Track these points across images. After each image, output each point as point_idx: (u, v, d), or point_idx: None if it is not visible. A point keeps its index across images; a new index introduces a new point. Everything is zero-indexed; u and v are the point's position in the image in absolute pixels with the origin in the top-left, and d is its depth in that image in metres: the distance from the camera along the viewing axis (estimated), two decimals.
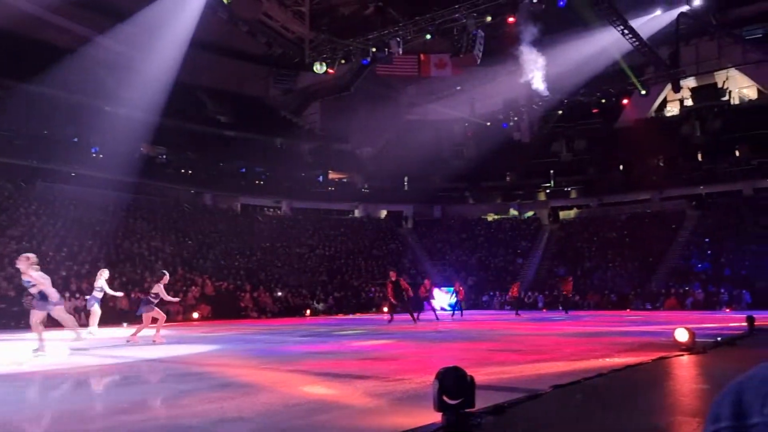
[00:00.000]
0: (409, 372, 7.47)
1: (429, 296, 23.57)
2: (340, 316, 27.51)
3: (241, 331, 16.81)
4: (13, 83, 30.29)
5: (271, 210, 41.26)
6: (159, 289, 12.89)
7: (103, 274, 14.30)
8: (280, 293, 28.84)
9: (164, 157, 38.54)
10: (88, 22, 35.38)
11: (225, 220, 36.30)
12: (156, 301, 12.89)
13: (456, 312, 24.70)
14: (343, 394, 5.92)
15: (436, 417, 4.20)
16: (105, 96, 35.09)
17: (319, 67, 25.25)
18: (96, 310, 14.06)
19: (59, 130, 33.27)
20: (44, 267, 21.51)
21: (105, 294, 14.45)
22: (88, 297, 15.06)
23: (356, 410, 5.14)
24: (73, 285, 21.40)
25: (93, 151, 34.21)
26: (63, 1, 32.46)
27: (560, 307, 28.23)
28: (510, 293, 29.03)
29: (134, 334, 12.95)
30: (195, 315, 23.05)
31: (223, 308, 24.77)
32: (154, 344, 12.21)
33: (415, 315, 19.29)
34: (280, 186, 41.16)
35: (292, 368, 8.51)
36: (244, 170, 41.16)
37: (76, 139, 34.01)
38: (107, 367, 9.20)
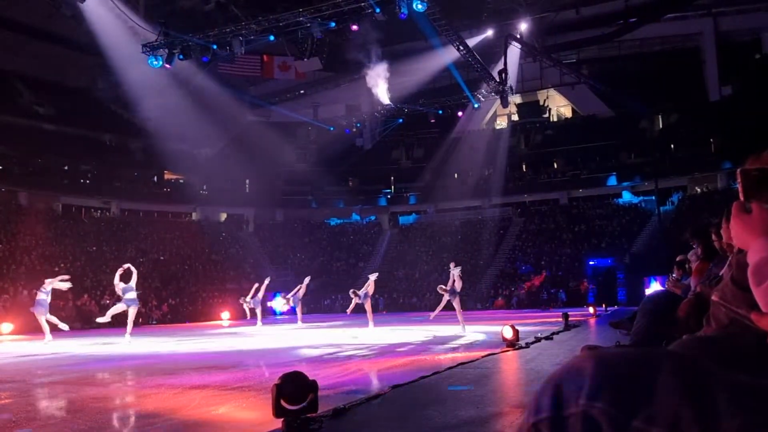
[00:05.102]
0: (249, 379, 7.27)
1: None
2: (176, 326, 26.14)
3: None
4: None
5: (99, 211, 38.10)
6: None
7: None
8: (109, 301, 26.67)
9: None
10: None
11: (43, 221, 32.79)
12: None
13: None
14: (179, 405, 5.60)
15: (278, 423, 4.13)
16: None
17: (155, 62, 23.78)
18: None
19: None
20: None
21: None
22: None
23: (192, 421, 4.89)
24: None
25: None
26: None
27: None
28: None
29: None
30: (4, 328, 20.48)
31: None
32: None
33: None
34: (109, 185, 38.22)
35: (125, 382, 7.91)
36: (66, 168, 37.63)
37: None
38: None
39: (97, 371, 9.27)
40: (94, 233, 33.85)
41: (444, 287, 15.10)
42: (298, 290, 21.16)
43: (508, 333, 9.64)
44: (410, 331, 16.04)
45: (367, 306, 17.55)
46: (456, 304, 15.14)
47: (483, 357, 8.56)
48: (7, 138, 34.37)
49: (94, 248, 32.13)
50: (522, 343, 9.83)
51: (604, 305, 24.24)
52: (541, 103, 45.47)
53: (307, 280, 21.58)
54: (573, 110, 45.18)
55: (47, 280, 14.58)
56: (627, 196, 38.75)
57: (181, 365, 9.38)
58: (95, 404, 6.08)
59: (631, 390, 0.76)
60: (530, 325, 15.28)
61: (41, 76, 37.70)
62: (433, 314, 16.40)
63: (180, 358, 10.87)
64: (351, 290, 18.10)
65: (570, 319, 14.17)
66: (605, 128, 40.06)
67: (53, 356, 11.37)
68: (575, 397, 0.77)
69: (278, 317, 31.42)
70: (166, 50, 23.52)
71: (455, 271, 14.91)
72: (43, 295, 14.11)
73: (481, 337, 12.89)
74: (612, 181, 39.20)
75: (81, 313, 24.69)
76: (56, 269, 27.61)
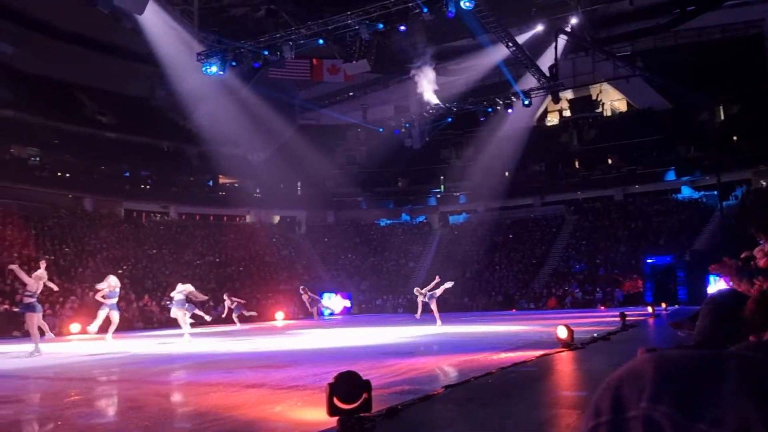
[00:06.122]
0: (304, 378, 7.38)
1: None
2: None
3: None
4: None
5: (158, 215, 39.38)
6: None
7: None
8: (169, 302, 27.53)
9: (37, 159, 35.77)
10: None
11: (107, 226, 34.16)
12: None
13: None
14: (237, 403, 5.73)
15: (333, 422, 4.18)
16: None
17: (209, 69, 24.42)
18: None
19: None
20: None
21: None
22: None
23: (249, 419, 5.00)
24: None
25: None
26: None
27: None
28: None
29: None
30: (74, 327, 21.43)
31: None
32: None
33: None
34: (168, 190, 39.42)
35: (184, 380, 8.17)
36: (128, 174, 39.04)
37: None
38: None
39: (157, 369, 9.58)
40: (154, 237, 35.01)
41: (420, 290, 18.21)
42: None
43: (563, 333, 9.46)
44: (461, 331, 15.95)
45: (434, 306, 18.56)
46: (433, 305, 18.12)
47: (537, 358, 8.43)
48: (73, 147, 36.01)
49: (154, 251, 33.19)
50: (577, 343, 9.63)
51: (663, 305, 23.48)
52: (594, 97, 44.43)
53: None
54: (628, 104, 43.95)
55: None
56: (687, 192, 37.40)
57: (238, 364, 9.59)
58: (156, 401, 6.29)
59: (695, 393, 0.74)
60: (585, 325, 14.95)
61: (103, 87, 39.25)
62: (417, 314, 19.12)
63: (237, 357, 11.12)
64: (415, 288, 19.40)
65: (627, 319, 13.79)
66: (662, 121, 38.79)
67: (116, 355, 11.81)
68: (636, 400, 0.76)
69: (327, 318, 31.72)
70: (220, 57, 24.11)
71: (447, 284, 17.99)
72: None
73: (534, 337, 12.70)
74: (670, 176, 37.89)
75: (143, 314, 25.57)
76: (119, 271, 28.72)
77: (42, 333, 12.58)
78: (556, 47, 33.40)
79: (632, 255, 32.92)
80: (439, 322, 18.13)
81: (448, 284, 18.67)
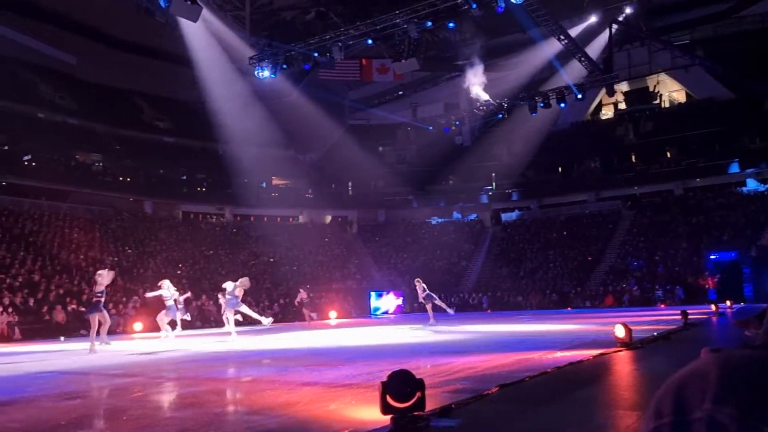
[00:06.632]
0: (357, 376, 7.43)
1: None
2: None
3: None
4: None
5: (214, 217, 40.42)
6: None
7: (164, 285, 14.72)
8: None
9: (100, 164, 37.28)
10: (16, 24, 34.04)
11: (166, 228, 35.33)
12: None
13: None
14: (292, 401, 5.82)
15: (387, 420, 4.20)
16: (38, 102, 33.86)
17: (261, 73, 24.90)
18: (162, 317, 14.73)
19: None
20: None
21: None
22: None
23: (304, 417, 5.07)
24: (6, 299, 20.36)
25: (25, 159, 32.77)
26: None
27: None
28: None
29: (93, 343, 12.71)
30: (137, 326, 22.25)
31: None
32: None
33: None
34: (223, 193, 40.42)
35: (240, 377, 8.35)
36: (185, 177, 40.21)
37: (6, 147, 32.51)
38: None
39: (215, 367, 9.83)
40: (210, 238, 35.95)
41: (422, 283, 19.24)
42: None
43: (621, 332, 9.19)
44: (514, 330, 15.74)
45: (429, 306, 19.43)
46: (429, 306, 19.44)
47: (594, 357, 8.24)
48: (133, 151, 37.38)
49: (211, 252, 34.08)
50: (636, 343, 9.35)
51: (728, 302, 22.55)
52: (651, 89, 43.05)
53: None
54: (687, 94, 42.40)
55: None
56: (752, 184, 35.76)
57: (292, 362, 9.74)
58: (214, 398, 6.46)
59: (762, 394, 0.71)
60: (644, 324, 14.50)
61: (159, 93, 40.57)
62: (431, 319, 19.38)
63: (291, 355, 11.29)
64: (416, 279, 20.13)
65: (689, 317, 13.31)
66: (724, 112, 37.21)
67: (175, 354, 12.17)
68: (699, 402, 0.73)
69: (378, 316, 31.83)
70: (271, 61, 24.53)
71: (423, 285, 19.19)
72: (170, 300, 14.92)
73: (590, 336, 12.41)
74: (734, 168, 36.32)
75: (201, 313, 26.27)
76: (178, 272, 29.65)
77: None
78: (610, 38, 32.55)
79: (694, 251, 31.76)
80: (432, 320, 19.17)
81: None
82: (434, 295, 19.31)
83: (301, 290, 22.61)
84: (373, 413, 4.54)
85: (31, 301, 21.46)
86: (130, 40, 35.68)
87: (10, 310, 20.01)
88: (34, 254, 25.37)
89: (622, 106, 43.78)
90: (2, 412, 5.83)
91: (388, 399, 4.23)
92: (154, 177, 38.58)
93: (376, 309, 32.76)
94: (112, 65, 37.30)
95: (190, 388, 7.50)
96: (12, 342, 18.45)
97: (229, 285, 15.05)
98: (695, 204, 36.03)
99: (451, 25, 24.14)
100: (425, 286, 19.17)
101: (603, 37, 34.78)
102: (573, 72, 33.46)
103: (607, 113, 44.71)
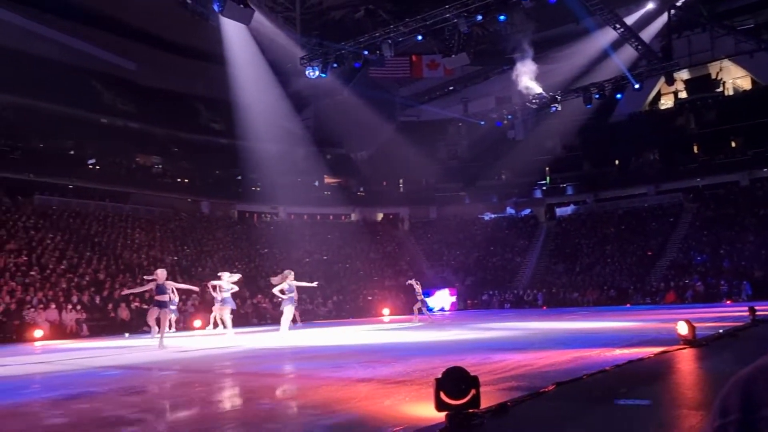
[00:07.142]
0: (412, 373, 7.43)
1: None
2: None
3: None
4: (9, 97, 30.41)
5: (268, 216, 41.18)
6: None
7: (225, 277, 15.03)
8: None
9: (160, 166, 38.55)
10: (81, 34, 35.52)
11: (222, 227, 36.24)
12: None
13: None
14: (347, 397, 5.87)
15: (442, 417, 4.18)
16: (101, 108, 35.26)
17: (312, 72, 25.17)
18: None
19: (56, 143, 33.29)
20: (45, 280, 21.60)
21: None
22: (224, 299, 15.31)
23: (359, 413, 5.10)
24: (74, 297, 21.31)
25: (89, 162, 34.21)
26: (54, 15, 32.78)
27: None
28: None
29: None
30: (197, 323, 22.92)
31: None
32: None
33: None
34: (276, 192, 41.13)
35: (296, 373, 8.48)
36: (239, 177, 41.11)
37: (72, 152, 34.00)
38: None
39: (271, 363, 10.01)
40: (265, 236, 36.65)
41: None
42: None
43: (684, 329, 8.87)
44: (571, 327, 15.42)
45: (417, 306, 20.86)
46: (417, 306, 20.68)
47: (655, 355, 7.99)
48: (191, 153, 38.49)
49: (266, 250, 34.74)
50: (700, 340, 9.01)
51: None
52: (713, 76, 41.32)
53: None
54: (752, 81, 40.49)
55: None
56: None
57: (347, 359, 9.83)
58: (271, 394, 6.58)
59: None
60: (709, 320, 13.95)
61: (213, 96, 41.58)
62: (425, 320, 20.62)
63: (345, 351, 11.39)
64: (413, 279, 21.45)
65: (757, 313, 12.71)
66: None
67: (233, 350, 12.46)
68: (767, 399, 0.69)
69: (434, 313, 31.73)
70: (321, 60, 24.77)
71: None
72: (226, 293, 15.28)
73: (651, 333, 12.03)
74: None
75: (257, 311, 26.83)
76: (234, 270, 30.30)
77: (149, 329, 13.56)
78: (669, 25, 31.42)
79: (762, 244, 30.34)
80: (416, 321, 20.29)
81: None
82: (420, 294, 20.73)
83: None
84: (427, 410, 4.53)
85: (97, 299, 22.38)
86: (185, 44, 36.64)
87: (78, 307, 20.93)
88: (100, 254, 26.44)
89: (683, 95, 42.21)
90: (70, 405, 6.10)
91: (443, 396, 4.22)
92: (211, 178, 39.61)
93: (430, 307, 32.64)
94: (169, 70, 38.48)
95: (248, 384, 7.67)
96: (80, 338, 19.30)
97: (226, 277, 15.04)
98: (762, 195, 34.43)
99: (502, 18, 23.80)
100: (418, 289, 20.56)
101: (659, 25, 33.60)
102: (629, 62, 32.48)
103: (667, 103, 43.20)
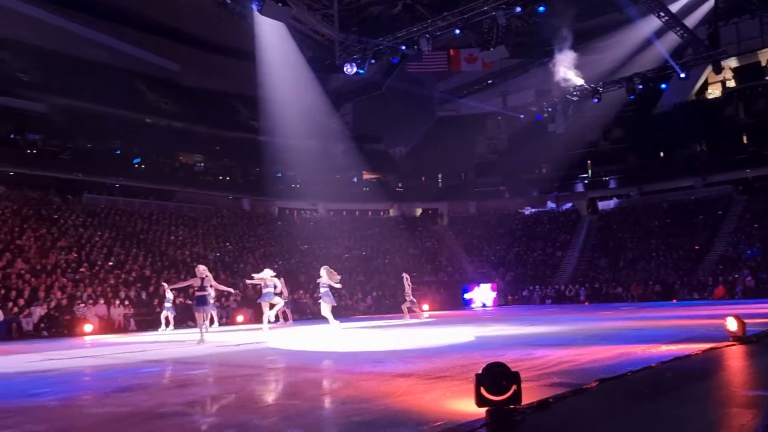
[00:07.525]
0: (452, 369, 7.41)
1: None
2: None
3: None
4: (61, 100, 31.46)
5: (308, 212, 41.57)
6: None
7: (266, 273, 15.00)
8: (317, 295, 28.95)
9: (202, 164, 39.29)
10: (127, 37, 36.45)
11: (263, 224, 36.76)
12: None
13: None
14: (387, 392, 5.89)
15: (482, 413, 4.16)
16: (145, 108, 36.13)
17: (350, 68, 25.27)
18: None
19: (103, 143, 34.30)
20: (94, 276, 22.29)
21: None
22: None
23: (400, 407, 5.12)
24: (122, 293, 21.93)
25: (135, 162, 35.12)
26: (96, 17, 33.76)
27: None
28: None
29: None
30: (239, 318, 23.34)
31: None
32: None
33: None
34: (316, 188, 41.45)
35: (335, 369, 8.56)
36: (279, 174, 41.58)
37: (118, 152, 34.97)
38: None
39: (311, 359, 10.11)
40: (305, 233, 37.01)
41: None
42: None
43: (733, 325, 8.59)
44: (615, 323, 15.12)
45: (407, 305, 20.65)
46: (406, 305, 20.52)
47: (703, 352, 7.77)
48: (232, 151, 39.12)
49: (306, 246, 35.08)
50: (751, 337, 8.72)
51: None
52: (764, 63, 39.86)
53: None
54: None
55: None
56: None
57: (387, 354, 9.86)
58: (311, 389, 6.65)
59: None
60: (760, 317, 13.49)
61: (252, 94, 42.11)
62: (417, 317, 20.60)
63: (386, 346, 11.41)
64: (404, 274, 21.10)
65: None
66: None
67: (273, 345, 12.62)
68: None
69: (474, 308, 31.54)
70: (360, 56, 24.84)
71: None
72: (270, 288, 15.37)
73: (699, 329, 11.71)
74: None
75: (297, 306, 27.09)
76: (275, 266, 30.71)
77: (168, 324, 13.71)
78: (716, 11, 30.43)
79: None
80: (407, 318, 20.30)
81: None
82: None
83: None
84: (468, 405, 4.52)
85: (144, 295, 22.99)
86: (224, 43, 37.21)
87: (126, 303, 21.54)
88: (145, 251, 27.14)
89: (731, 83, 40.86)
90: (119, 397, 6.29)
91: (483, 391, 4.20)
92: (251, 175, 40.16)
93: (469, 302, 32.47)
94: (210, 70, 39.18)
95: (289, 378, 7.77)
96: (128, 332, 19.86)
97: (267, 273, 14.97)
98: None
99: (541, 9, 23.47)
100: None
101: (705, 11, 32.56)
102: (673, 50, 31.60)
103: (714, 92, 41.88)
